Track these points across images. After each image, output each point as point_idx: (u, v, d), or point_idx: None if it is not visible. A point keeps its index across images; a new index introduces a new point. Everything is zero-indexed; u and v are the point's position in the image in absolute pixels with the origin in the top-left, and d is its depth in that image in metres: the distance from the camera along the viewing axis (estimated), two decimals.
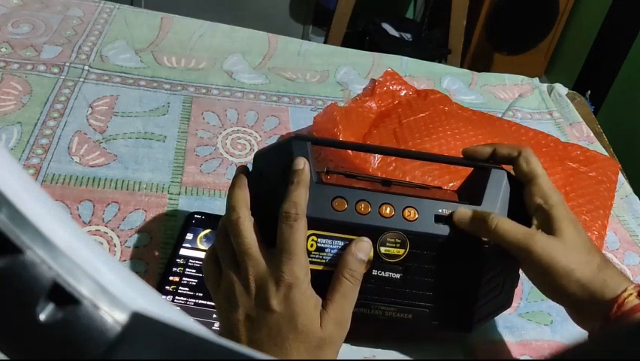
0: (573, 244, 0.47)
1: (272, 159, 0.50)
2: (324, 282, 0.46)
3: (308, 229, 0.46)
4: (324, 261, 0.48)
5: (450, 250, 0.49)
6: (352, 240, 0.48)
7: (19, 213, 0.19)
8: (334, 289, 0.46)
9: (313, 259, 0.47)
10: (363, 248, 0.47)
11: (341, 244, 0.48)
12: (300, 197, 0.45)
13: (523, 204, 0.50)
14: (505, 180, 0.51)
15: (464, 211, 0.49)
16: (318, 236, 0.47)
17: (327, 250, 0.48)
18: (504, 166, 0.53)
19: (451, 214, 0.49)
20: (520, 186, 0.51)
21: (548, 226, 0.48)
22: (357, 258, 0.47)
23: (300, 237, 0.44)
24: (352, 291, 0.46)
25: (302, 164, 0.47)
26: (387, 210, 0.48)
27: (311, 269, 0.45)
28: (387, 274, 0.49)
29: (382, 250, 0.48)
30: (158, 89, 0.82)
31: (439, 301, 0.51)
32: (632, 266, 0.71)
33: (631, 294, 0.45)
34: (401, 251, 0.49)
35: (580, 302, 0.47)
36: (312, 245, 0.47)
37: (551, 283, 0.47)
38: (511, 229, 0.47)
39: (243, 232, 0.45)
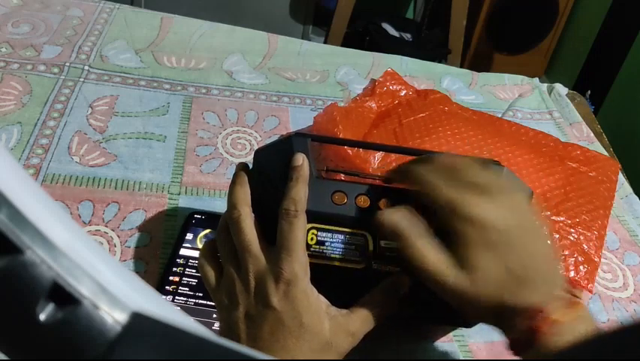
0: (483, 277, 0.42)
1: (272, 156, 0.50)
2: (324, 276, 0.46)
3: (308, 223, 0.46)
4: (324, 255, 0.48)
5: None
6: (352, 233, 0.48)
7: (19, 213, 0.19)
8: (366, 305, 0.46)
9: (313, 253, 0.47)
10: (404, 283, 0.48)
11: (341, 237, 0.48)
12: (299, 194, 0.45)
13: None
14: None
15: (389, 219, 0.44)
16: (318, 230, 0.47)
17: (327, 244, 0.48)
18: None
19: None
20: None
21: (461, 257, 0.43)
22: (397, 294, 0.47)
23: (300, 234, 0.44)
24: (381, 318, 0.47)
25: (301, 160, 0.47)
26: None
27: (311, 263, 0.45)
28: (387, 268, 0.49)
29: (382, 243, 0.48)
30: (158, 89, 0.82)
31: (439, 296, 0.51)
32: (632, 266, 0.71)
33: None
34: None
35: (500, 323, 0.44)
36: (312, 239, 0.47)
37: (464, 313, 0.45)
38: (432, 259, 0.43)
39: (244, 229, 0.45)
